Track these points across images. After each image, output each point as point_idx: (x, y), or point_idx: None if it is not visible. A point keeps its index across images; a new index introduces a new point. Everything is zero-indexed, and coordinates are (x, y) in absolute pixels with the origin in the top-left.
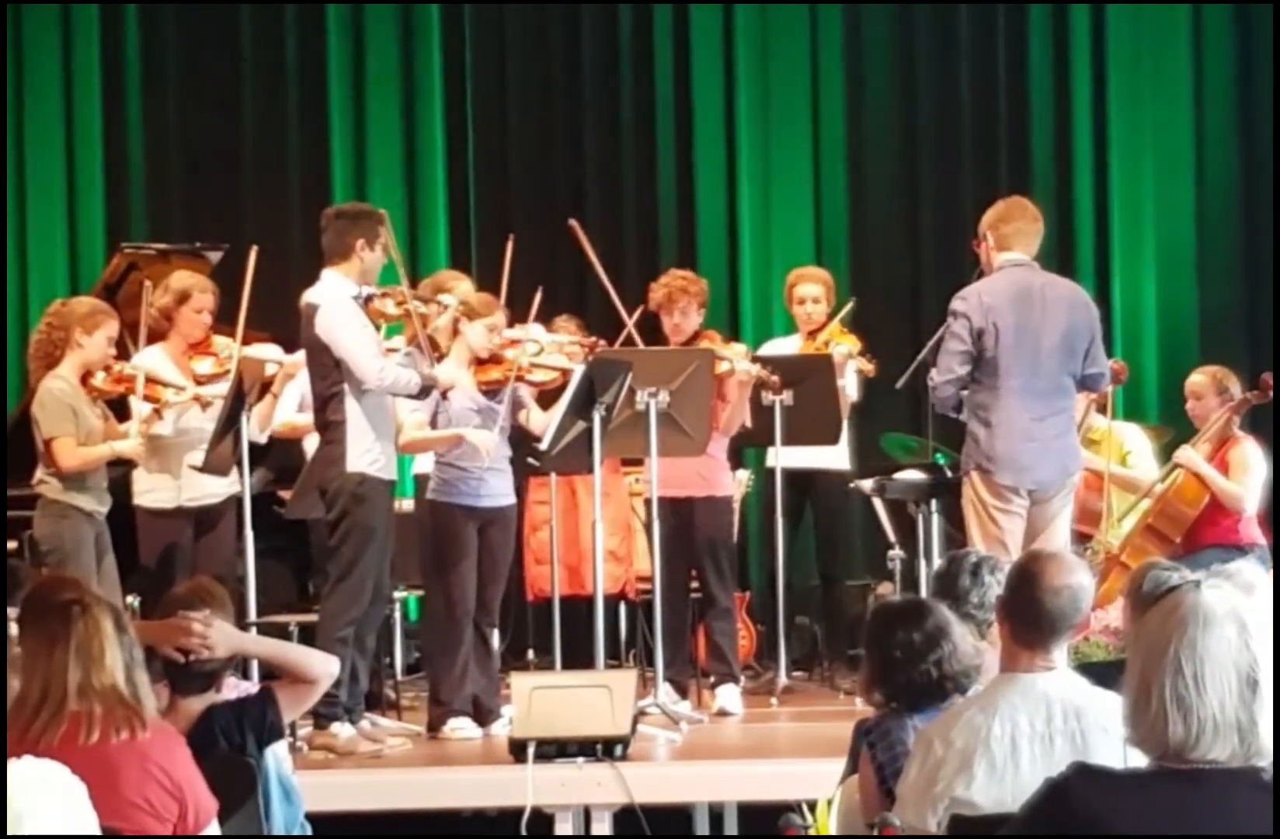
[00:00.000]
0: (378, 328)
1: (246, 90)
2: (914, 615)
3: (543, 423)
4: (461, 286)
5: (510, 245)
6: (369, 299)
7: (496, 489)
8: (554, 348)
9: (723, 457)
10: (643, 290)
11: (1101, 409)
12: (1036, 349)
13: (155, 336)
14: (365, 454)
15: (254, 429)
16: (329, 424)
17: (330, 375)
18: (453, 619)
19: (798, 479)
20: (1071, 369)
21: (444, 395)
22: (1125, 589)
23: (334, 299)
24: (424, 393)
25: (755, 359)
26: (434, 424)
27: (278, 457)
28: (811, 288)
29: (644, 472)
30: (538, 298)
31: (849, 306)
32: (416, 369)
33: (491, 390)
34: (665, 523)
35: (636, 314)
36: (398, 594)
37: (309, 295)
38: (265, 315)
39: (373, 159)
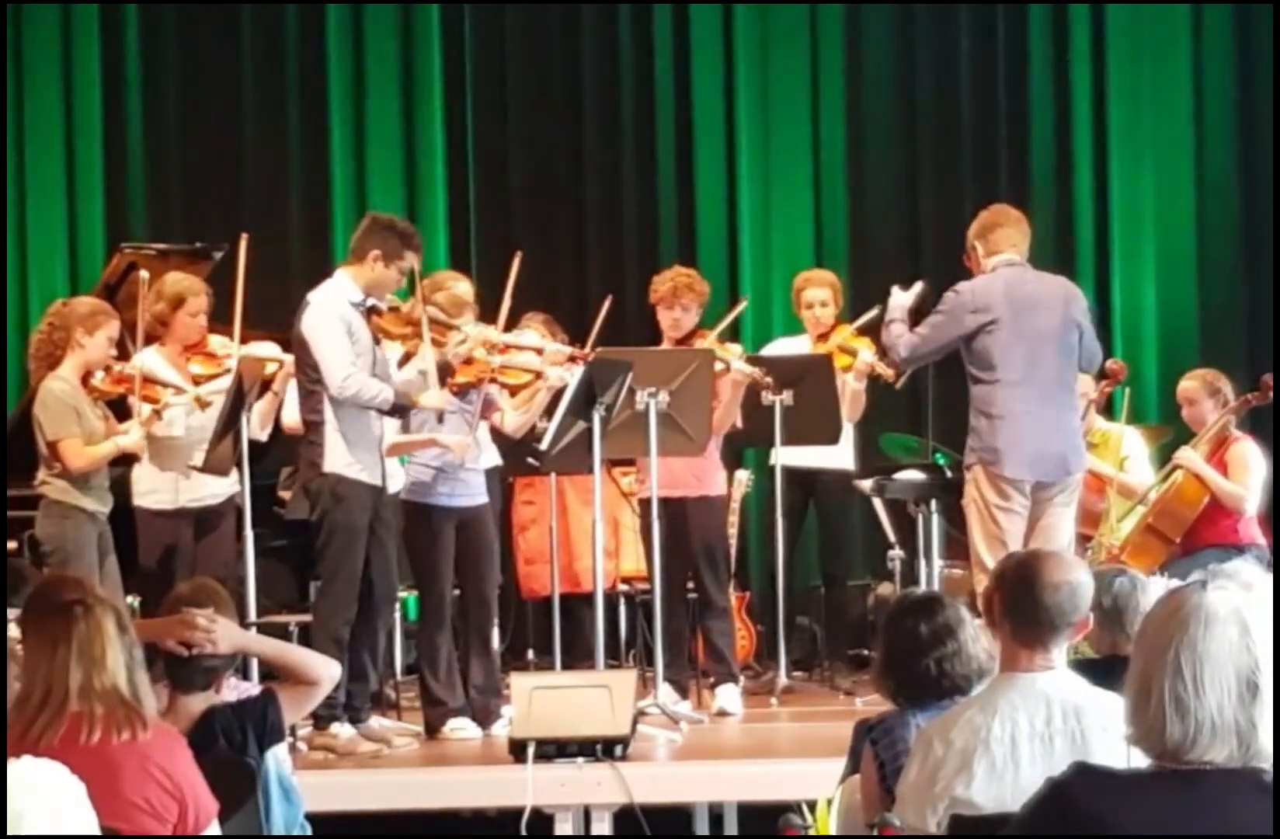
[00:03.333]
0: (377, 341)
1: (246, 90)
2: (927, 608)
3: (515, 424)
4: (460, 287)
5: (517, 262)
6: (373, 310)
7: (472, 488)
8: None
9: (716, 456)
10: (643, 291)
11: (1102, 411)
12: (1032, 344)
13: (152, 338)
14: (342, 456)
15: (255, 428)
16: (309, 423)
17: (311, 373)
18: (434, 619)
19: (802, 478)
20: (1069, 363)
21: (440, 419)
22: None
23: (326, 300)
24: (397, 411)
25: (751, 360)
26: (406, 426)
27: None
28: (819, 292)
29: (637, 472)
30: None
31: (871, 314)
32: (407, 387)
33: (461, 392)
34: (660, 524)
35: (606, 305)
36: (400, 594)
37: (312, 292)
38: (265, 315)
39: (373, 159)
